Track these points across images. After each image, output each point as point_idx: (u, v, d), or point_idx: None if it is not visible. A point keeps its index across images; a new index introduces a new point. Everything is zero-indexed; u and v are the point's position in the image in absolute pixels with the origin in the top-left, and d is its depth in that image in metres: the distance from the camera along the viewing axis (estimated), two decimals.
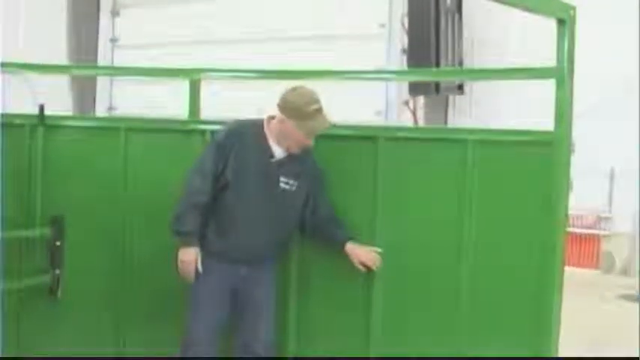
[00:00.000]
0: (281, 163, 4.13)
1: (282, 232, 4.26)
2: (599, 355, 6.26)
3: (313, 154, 4.24)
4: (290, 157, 4.14)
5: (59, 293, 4.73)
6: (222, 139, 4.13)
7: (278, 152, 4.13)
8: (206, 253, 4.12)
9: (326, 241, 4.32)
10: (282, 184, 4.13)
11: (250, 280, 4.18)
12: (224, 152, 4.07)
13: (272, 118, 4.13)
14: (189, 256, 4.07)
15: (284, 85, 4.15)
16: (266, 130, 4.14)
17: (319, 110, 4.04)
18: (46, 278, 4.70)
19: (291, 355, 4.50)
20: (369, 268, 4.24)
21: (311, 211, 4.26)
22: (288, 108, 4.04)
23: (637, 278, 10.23)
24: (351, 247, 4.23)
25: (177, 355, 4.23)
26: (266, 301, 4.25)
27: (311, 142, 4.10)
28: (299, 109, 4.01)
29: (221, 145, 4.09)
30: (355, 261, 4.22)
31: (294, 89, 4.09)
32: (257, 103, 5.83)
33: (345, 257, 4.27)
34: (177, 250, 4.09)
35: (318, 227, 4.29)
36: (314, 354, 4.47)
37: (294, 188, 4.16)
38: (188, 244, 4.08)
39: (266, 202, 4.12)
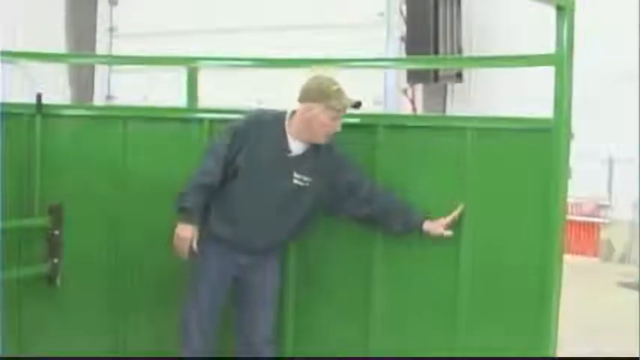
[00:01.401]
0: (297, 158, 4.09)
1: (286, 227, 4.21)
2: (597, 343, 6.27)
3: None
4: (307, 154, 4.10)
5: (58, 282, 4.73)
6: (240, 126, 4.10)
7: (295, 148, 4.08)
8: (210, 240, 4.10)
9: (401, 226, 4.17)
10: (295, 181, 4.07)
11: (249, 269, 4.17)
12: (239, 139, 4.05)
13: (294, 112, 4.10)
14: (186, 233, 4.00)
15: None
16: (287, 124, 4.10)
17: (341, 90, 4.03)
18: (44, 267, 4.70)
19: (289, 354, 4.51)
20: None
21: (359, 199, 4.15)
22: (313, 92, 4.01)
23: (637, 266, 10.25)
24: (429, 226, 4.12)
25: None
26: (265, 293, 4.22)
27: (338, 126, 4.04)
28: (323, 90, 4.00)
29: (238, 132, 4.07)
30: (440, 231, 4.10)
31: (312, 78, 4.09)
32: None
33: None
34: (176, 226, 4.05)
35: (384, 213, 4.16)
36: (312, 353, 4.47)
37: (307, 185, 4.11)
38: (186, 221, 4.02)
39: (276, 196, 4.08)
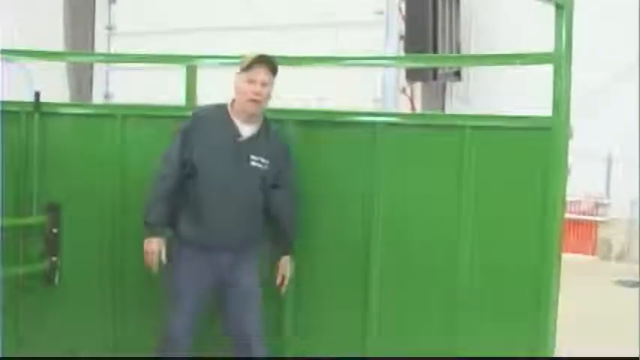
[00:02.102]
0: (250, 141, 4.13)
1: (255, 210, 4.21)
2: (596, 343, 6.26)
3: (279, 135, 4.28)
4: (258, 136, 4.15)
5: (56, 280, 4.73)
6: (187, 125, 4.16)
7: (245, 131, 4.13)
8: (182, 243, 4.12)
9: (271, 238, 4.33)
10: (253, 163, 4.12)
11: (234, 270, 4.16)
12: (189, 137, 4.10)
13: (234, 100, 4.16)
14: (152, 246, 4.10)
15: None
16: (230, 110, 4.15)
17: (253, 55, 4.07)
18: (43, 266, 4.70)
19: (288, 354, 4.51)
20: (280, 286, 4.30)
21: (273, 192, 4.25)
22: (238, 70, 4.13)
23: (635, 264, 10.25)
24: (284, 263, 4.30)
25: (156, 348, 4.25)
26: (252, 291, 4.22)
27: (258, 91, 4.03)
28: (241, 61, 4.10)
29: (186, 131, 4.13)
30: (280, 273, 4.29)
31: None
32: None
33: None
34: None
35: (274, 217, 4.28)
36: (311, 353, 4.47)
37: (266, 167, 4.15)
38: (151, 235, 4.11)
39: (237, 181, 4.11)
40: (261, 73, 4.04)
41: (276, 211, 4.26)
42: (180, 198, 4.12)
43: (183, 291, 4.14)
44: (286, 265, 4.29)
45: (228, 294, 4.19)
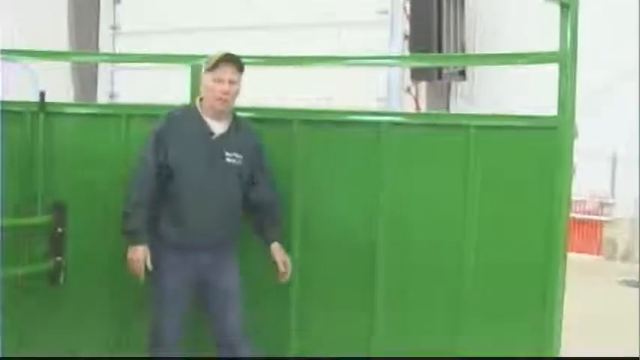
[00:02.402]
0: (222, 138, 4.15)
1: (234, 207, 4.22)
2: (601, 343, 6.25)
3: (255, 132, 4.30)
4: (230, 132, 4.17)
5: (61, 280, 4.72)
6: (159, 128, 4.16)
7: (217, 128, 4.15)
8: (165, 246, 4.11)
9: (256, 230, 4.31)
10: (227, 159, 4.13)
11: (214, 269, 4.16)
12: (162, 140, 4.10)
13: (202, 99, 4.19)
14: (137, 254, 4.07)
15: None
16: (200, 109, 4.17)
17: (219, 54, 4.09)
18: (47, 265, 4.70)
19: (293, 354, 4.50)
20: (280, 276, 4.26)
21: (253, 188, 4.26)
22: (203, 69, 4.14)
23: (638, 265, 10.24)
24: (276, 247, 4.26)
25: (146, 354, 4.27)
26: (232, 291, 4.22)
27: (225, 87, 4.05)
28: (207, 60, 4.13)
29: (159, 134, 4.13)
30: (277, 260, 4.23)
31: None
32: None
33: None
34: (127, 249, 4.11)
35: (257, 209, 4.28)
36: (316, 353, 4.46)
37: (240, 162, 4.16)
38: (135, 243, 4.09)
39: (214, 178, 4.11)
40: (227, 72, 4.07)
41: (260, 203, 4.26)
42: (158, 200, 4.12)
43: (168, 292, 4.14)
44: (280, 250, 4.26)
45: (209, 294, 4.20)
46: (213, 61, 4.06)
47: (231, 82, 4.07)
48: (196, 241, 4.12)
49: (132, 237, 4.10)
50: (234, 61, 4.09)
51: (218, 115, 4.14)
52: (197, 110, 4.17)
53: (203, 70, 4.14)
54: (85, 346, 4.78)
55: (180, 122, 4.16)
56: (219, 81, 4.05)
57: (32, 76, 8.08)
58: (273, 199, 4.30)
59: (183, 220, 4.10)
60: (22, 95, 4.98)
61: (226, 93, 4.06)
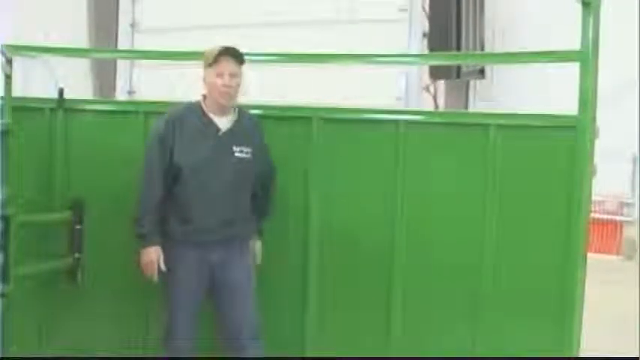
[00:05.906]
0: (229, 133, 4.15)
1: (246, 202, 4.23)
2: (620, 343, 6.21)
3: (261, 128, 4.32)
4: (236, 126, 4.17)
5: (79, 277, 4.73)
6: (162, 130, 4.15)
7: (222, 123, 4.15)
8: (175, 244, 4.12)
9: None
10: (237, 154, 4.13)
11: (224, 266, 4.16)
12: (167, 141, 4.11)
13: (205, 96, 4.18)
14: (151, 256, 4.10)
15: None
16: (204, 106, 4.17)
17: (217, 48, 4.09)
18: (66, 262, 4.70)
19: (311, 354, 4.49)
20: None
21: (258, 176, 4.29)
22: (203, 65, 4.13)
23: None
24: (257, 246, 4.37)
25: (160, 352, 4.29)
26: (241, 288, 4.21)
27: (227, 81, 4.06)
28: (205, 57, 4.12)
29: (163, 135, 4.12)
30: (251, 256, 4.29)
31: None
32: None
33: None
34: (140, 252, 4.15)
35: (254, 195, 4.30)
36: (335, 353, 4.45)
37: (249, 155, 4.16)
38: (147, 245, 4.11)
39: (224, 174, 4.11)
40: (228, 66, 4.07)
41: (256, 190, 4.29)
42: (169, 201, 4.13)
43: (180, 290, 4.16)
44: (257, 243, 4.36)
45: (218, 291, 4.20)
46: (212, 57, 4.06)
47: (232, 75, 4.07)
48: (206, 238, 4.12)
49: (144, 240, 4.12)
50: (233, 55, 4.10)
51: (223, 111, 4.15)
52: (201, 107, 4.18)
53: (203, 67, 4.13)
54: (101, 345, 4.78)
55: (182, 120, 4.15)
56: (220, 75, 4.06)
57: (51, 72, 8.11)
58: (269, 184, 4.34)
59: (193, 217, 4.10)
60: (41, 92, 4.98)
61: (229, 87, 4.06)
